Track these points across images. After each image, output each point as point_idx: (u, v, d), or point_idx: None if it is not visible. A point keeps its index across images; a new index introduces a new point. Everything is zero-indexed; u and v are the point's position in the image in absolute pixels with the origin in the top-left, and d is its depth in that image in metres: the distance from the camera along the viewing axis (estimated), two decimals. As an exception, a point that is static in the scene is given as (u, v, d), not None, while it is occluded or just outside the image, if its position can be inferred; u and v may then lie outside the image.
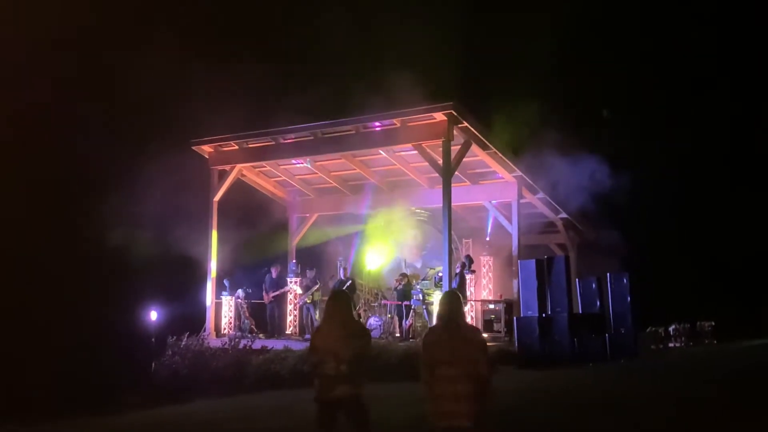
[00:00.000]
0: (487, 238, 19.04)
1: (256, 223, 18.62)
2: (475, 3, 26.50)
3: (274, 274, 18.12)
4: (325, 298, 18.04)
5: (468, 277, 17.09)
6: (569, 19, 25.30)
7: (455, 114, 14.46)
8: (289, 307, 18.37)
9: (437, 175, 15.43)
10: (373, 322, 17.06)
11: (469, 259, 17.59)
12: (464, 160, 15.71)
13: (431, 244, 19.97)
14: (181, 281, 17.98)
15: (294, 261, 19.12)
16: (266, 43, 22.00)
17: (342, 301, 6.07)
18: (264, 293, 17.94)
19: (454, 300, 5.57)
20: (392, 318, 17.19)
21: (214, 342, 14.82)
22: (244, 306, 17.87)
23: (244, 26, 22.30)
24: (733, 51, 26.70)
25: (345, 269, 18.15)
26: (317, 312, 17.58)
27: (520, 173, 16.76)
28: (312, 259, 19.82)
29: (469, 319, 16.68)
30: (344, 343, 5.66)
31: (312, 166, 17.72)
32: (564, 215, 18.88)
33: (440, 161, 15.09)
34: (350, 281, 17.38)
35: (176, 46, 17.09)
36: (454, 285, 15.05)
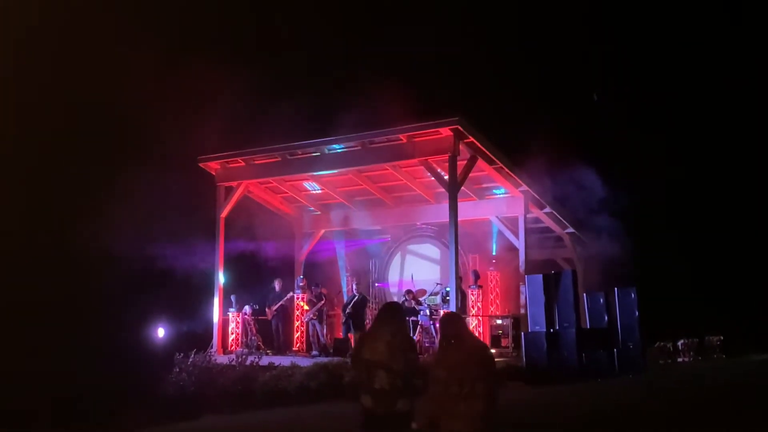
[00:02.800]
0: (494, 253, 19.02)
1: (263, 239, 18.64)
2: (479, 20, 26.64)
3: (277, 288, 18.10)
4: (332, 313, 18.23)
5: (475, 292, 17.05)
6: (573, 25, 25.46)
7: (461, 129, 14.50)
8: (296, 323, 18.34)
9: (444, 190, 15.45)
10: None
11: (476, 274, 17.55)
12: (470, 175, 15.73)
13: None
14: (188, 298, 17.98)
15: (301, 276, 19.12)
16: (266, 57, 22.09)
17: (394, 312, 5.86)
18: (267, 308, 17.94)
19: (455, 319, 5.56)
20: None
21: (221, 359, 14.80)
22: (251, 322, 17.85)
23: (247, 40, 22.38)
24: (739, 55, 26.65)
25: (355, 285, 18.11)
26: (324, 328, 17.55)
27: (526, 188, 16.77)
28: (319, 274, 19.83)
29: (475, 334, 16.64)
30: (396, 356, 5.46)
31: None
32: (571, 230, 18.85)
33: (446, 176, 15.11)
34: (361, 297, 17.30)
35: (175, 57, 17.16)
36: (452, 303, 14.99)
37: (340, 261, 20.64)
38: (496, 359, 15.40)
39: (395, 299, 19.29)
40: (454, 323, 5.56)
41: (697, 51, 26.54)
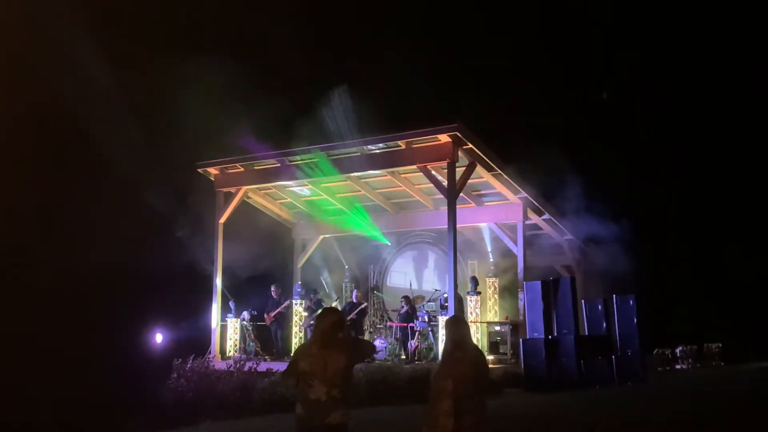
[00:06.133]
0: (492, 260, 19.00)
1: (261, 245, 18.61)
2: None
3: (274, 294, 18.10)
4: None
5: (474, 298, 17.05)
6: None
7: (460, 135, 14.51)
8: (294, 329, 18.34)
9: (442, 196, 15.45)
10: (378, 344, 17.02)
11: (475, 281, 17.54)
12: (469, 181, 15.75)
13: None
14: (186, 303, 17.94)
15: (299, 283, 19.12)
16: (268, 63, 22.03)
17: (329, 318, 5.55)
18: (265, 314, 17.93)
19: (464, 324, 5.48)
20: (398, 340, 17.14)
21: (219, 365, 14.77)
22: (250, 328, 17.82)
23: (238, 43, 22.27)
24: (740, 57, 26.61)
25: (358, 293, 18.08)
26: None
27: (525, 194, 16.77)
28: (317, 281, 19.82)
29: (474, 341, 16.63)
30: (335, 364, 5.26)
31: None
32: (569, 236, 18.86)
33: (445, 183, 15.12)
34: (363, 305, 17.28)
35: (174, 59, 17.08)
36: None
37: (337, 267, 20.62)
38: (494, 366, 15.37)
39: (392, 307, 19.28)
40: (461, 328, 5.40)
41: (712, 55, 26.49)
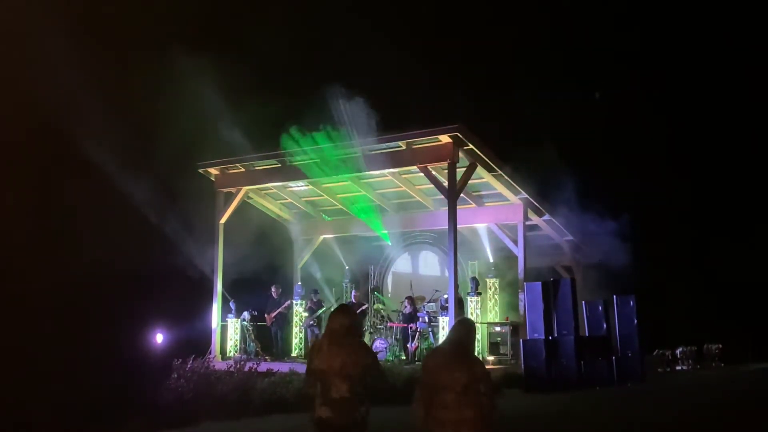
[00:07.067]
0: (492, 260, 18.99)
1: (261, 246, 18.63)
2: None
3: (274, 295, 18.12)
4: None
5: (474, 299, 17.04)
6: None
7: (461, 136, 14.51)
8: (295, 329, 18.34)
9: (443, 197, 15.46)
10: (378, 344, 17.04)
11: (475, 282, 17.54)
12: (470, 182, 15.75)
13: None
14: (186, 304, 17.95)
15: (299, 284, 19.11)
16: (268, 63, 22.03)
17: (338, 321, 5.62)
18: (266, 315, 17.95)
19: (471, 328, 5.49)
20: (398, 341, 17.14)
21: (219, 365, 14.78)
22: (250, 329, 17.83)
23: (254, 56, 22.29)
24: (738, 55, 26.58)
25: (357, 294, 18.08)
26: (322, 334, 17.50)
27: (525, 195, 16.77)
28: (317, 281, 19.81)
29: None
30: (354, 362, 5.38)
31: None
32: (570, 237, 18.84)
33: (446, 183, 15.12)
34: (364, 306, 17.28)
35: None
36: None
37: (337, 268, 20.62)
38: (494, 366, 15.38)
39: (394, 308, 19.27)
40: (458, 329, 5.44)
41: (712, 54, 26.44)
